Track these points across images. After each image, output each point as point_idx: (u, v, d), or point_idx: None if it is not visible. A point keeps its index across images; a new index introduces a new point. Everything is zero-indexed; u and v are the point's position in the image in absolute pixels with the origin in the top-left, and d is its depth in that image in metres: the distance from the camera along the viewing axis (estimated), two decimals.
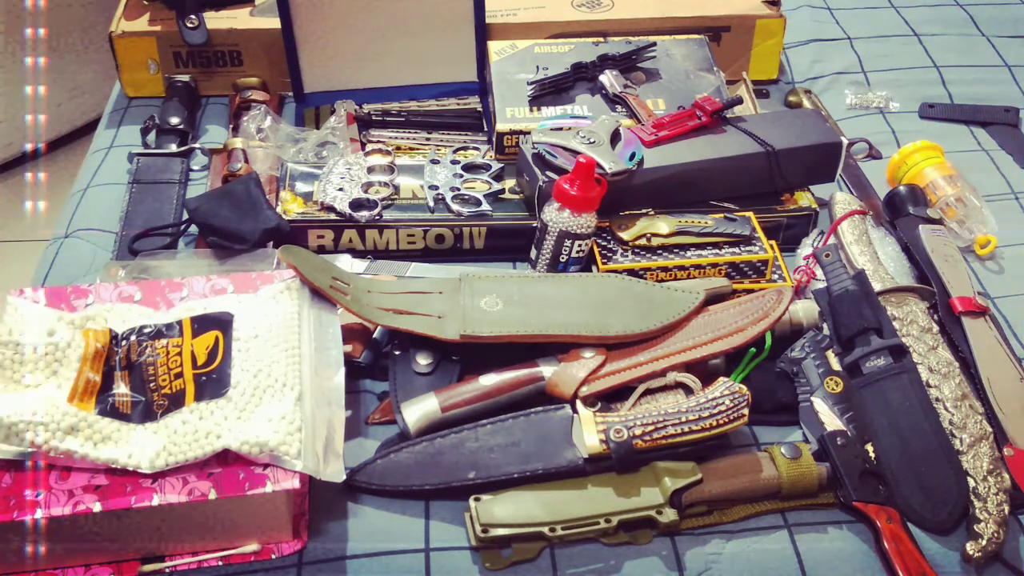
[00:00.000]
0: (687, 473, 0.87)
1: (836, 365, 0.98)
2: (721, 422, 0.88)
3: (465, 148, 1.24)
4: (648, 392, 0.93)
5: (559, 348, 0.95)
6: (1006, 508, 0.87)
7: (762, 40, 1.41)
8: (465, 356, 0.96)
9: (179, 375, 0.85)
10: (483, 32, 1.31)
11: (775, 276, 1.09)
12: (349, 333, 0.97)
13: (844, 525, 0.88)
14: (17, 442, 0.79)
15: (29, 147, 2.21)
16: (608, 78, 1.26)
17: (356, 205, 1.12)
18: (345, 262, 1.10)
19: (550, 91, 1.25)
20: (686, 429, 0.87)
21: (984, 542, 0.85)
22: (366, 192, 1.14)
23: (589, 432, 0.87)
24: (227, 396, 0.83)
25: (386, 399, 0.95)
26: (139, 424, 0.82)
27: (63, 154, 2.24)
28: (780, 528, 0.87)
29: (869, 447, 0.91)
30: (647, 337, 0.96)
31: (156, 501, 0.78)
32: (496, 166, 1.20)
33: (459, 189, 1.15)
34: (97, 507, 0.77)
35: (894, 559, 0.84)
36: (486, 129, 1.28)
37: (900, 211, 1.17)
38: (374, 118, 1.28)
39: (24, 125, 2.17)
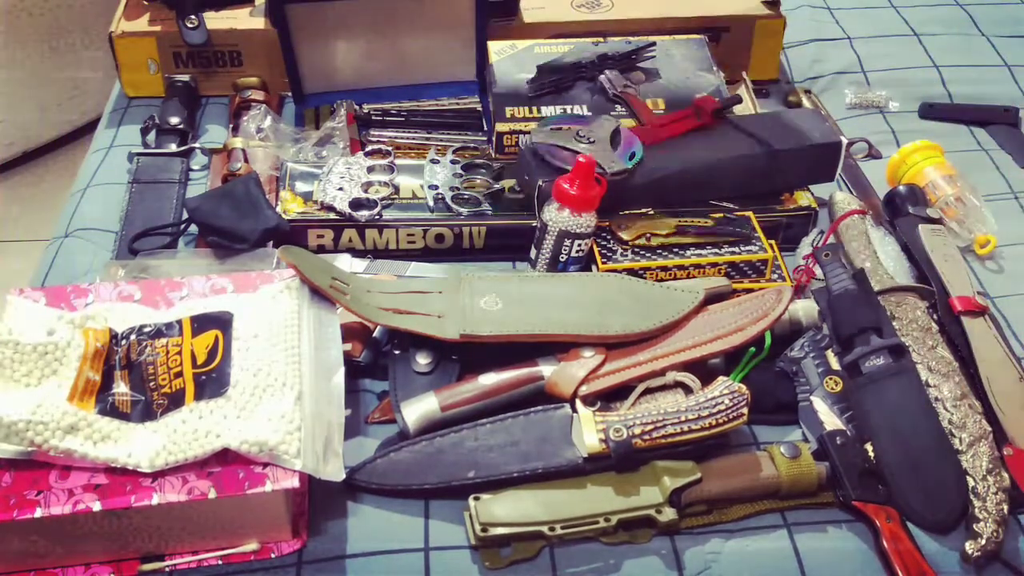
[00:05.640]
0: (686, 472, 0.87)
1: (835, 364, 0.98)
2: (720, 421, 0.88)
3: (465, 148, 1.24)
4: (647, 391, 0.93)
5: (559, 347, 0.95)
6: (1005, 507, 0.87)
7: (762, 40, 1.41)
8: (465, 355, 0.96)
9: (179, 374, 0.85)
10: (483, 32, 1.31)
11: (775, 276, 1.09)
12: (349, 332, 0.97)
13: (843, 524, 0.88)
14: (17, 441, 0.79)
15: (29, 147, 2.21)
16: (608, 78, 1.26)
17: (356, 205, 1.12)
18: (345, 261, 1.10)
19: (550, 91, 1.25)
20: (685, 428, 0.87)
21: (983, 541, 0.85)
22: (366, 192, 1.14)
23: (588, 431, 0.87)
24: (227, 395, 0.83)
25: (386, 398, 0.95)
26: (139, 423, 0.82)
27: (63, 154, 2.24)
28: (779, 527, 0.87)
29: (868, 446, 0.91)
30: (647, 336, 0.96)
31: (156, 500, 0.78)
32: (496, 166, 1.20)
33: (459, 189, 1.15)
34: (97, 506, 0.77)
35: (893, 558, 0.84)
36: (486, 129, 1.28)
37: (900, 211, 1.17)
38: (374, 118, 1.28)
39: (24, 125, 2.17)
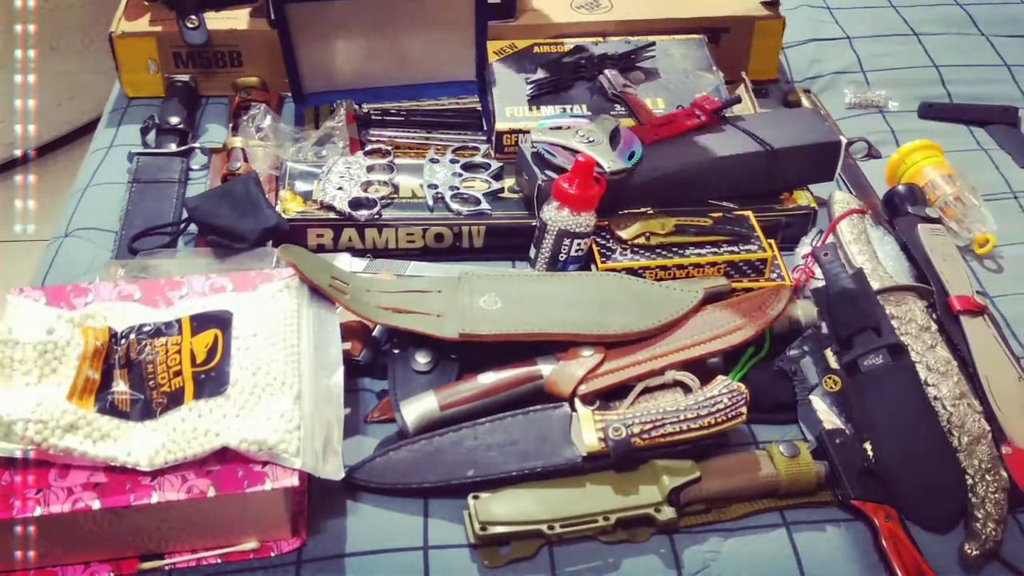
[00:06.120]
0: (685, 471, 0.87)
1: (834, 364, 0.98)
2: (719, 420, 0.88)
3: (464, 147, 1.24)
4: (647, 390, 0.93)
5: (558, 347, 0.95)
6: (1004, 507, 0.87)
7: (761, 41, 1.41)
8: (464, 355, 0.96)
9: (178, 373, 0.85)
10: (483, 32, 1.31)
11: (774, 275, 1.09)
12: (348, 331, 0.97)
13: (842, 523, 0.88)
14: (16, 440, 0.79)
15: (29, 147, 2.21)
16: (607, 77, 1.26)
17: (355, 204, 1.12)
18: (344, 261, 1.10)
19: (549, 90, 1.25)
20: (684, 427, 0.87)
21: (982, 540, 0.85)
22: (365, 191, 1.14)
23: (588, 430, 0.87)
24: (226, 394, 0.83)
25: (385, 397, 0.96)
26: (138, 422, 0.82)
27: (63, 154, 2.24)
28: (778, 526, 0.88)
29: (867, 445, 0.91)
30: (646, 336, 0.96)
31: (155, 499, 0.78)
32: (495, 165, 1.20)
33: (458, 188, 1.15)
34: (96, 505, 0.77)
35: (892, 557, 0.84)
36: (485, 128, 1.28)
37: (899, 210, 1.17)
38: (373, 117, 1.28)
39: (24, 125, 2.17)
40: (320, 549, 0.84)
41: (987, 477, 0.88)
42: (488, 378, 0.93)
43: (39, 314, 0.89)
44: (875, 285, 1.03)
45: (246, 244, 1.07)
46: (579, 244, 1.05)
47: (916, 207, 1.16)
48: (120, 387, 0.85)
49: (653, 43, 1.32)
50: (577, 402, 0.91)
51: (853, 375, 0.96)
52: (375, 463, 0.88)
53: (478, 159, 1.21)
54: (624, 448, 0.86)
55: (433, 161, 1.20)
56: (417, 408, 0.91)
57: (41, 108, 2.16)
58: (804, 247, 1.13)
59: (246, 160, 1.19)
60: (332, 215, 1.12)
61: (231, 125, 1.29)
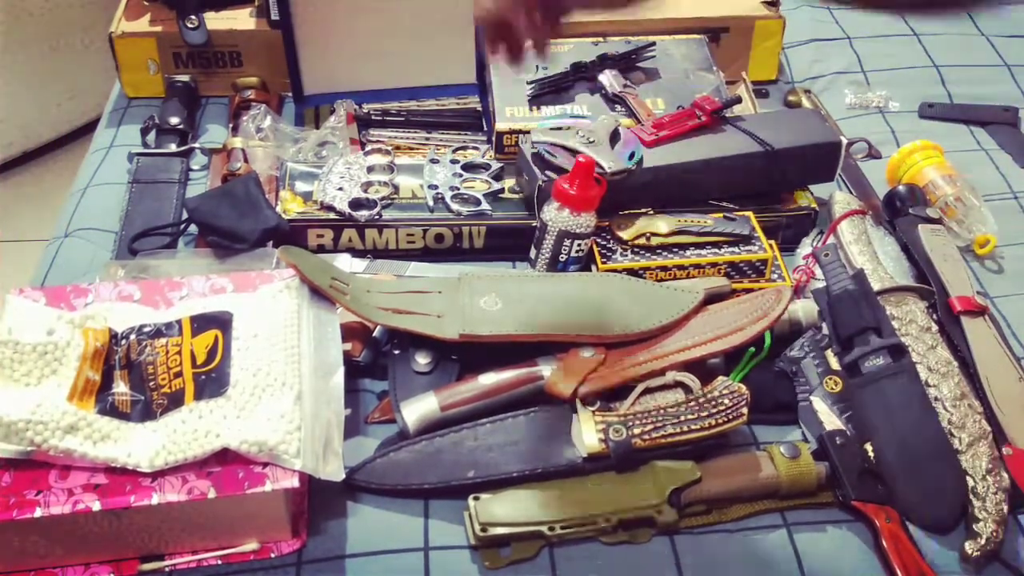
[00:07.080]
0: (686, 472, 0.87)
1: (835, 364, 0.98)
2: (720, 421, 0.88)
3: (464, 147, 1.24)
4: (647, 391, 0.93)
5: (558, 347, 0.95)
6: (1005, 507, 0.87)
7: (761, 41, 1.41)
8: (464, 355, 0.96)
9: (178, 374, 0.85)
10: (483, 33, 1.31)
11: (774, 276, 1.09)
12: (348, 332, 0.97)
13: (843, 524, 0.88)
14: (16, 441, 0.79)
15: (29, 147, 2.21)
16: (607, 78, 1.26)
17: (356, 204, 1.12)
18: (344, 261, 1.10)
19: (550, 91, 1.25)
20: (685, 428, 0.87)
21: (983, 541, 0.85)
22: (366, 191, 1.14)
23: (588, 431, 0.87)
24: (226, 395, 0.83)
25: (385, 398, 0.95)
26: (138, 423, 0.82)
27: (63, 154, 2.24)
28: (779, 527, 0.87)
29: (868, 446, 0.91)
30: (646, 336, 0.96)
31: (155, 500, 0.78)
32: (495, 165, 1.20)
33: (458, 188, 1.15)
34: (96, 506, 0.77)
35: (893, 558, 0.84)
36: (485, 128, 1.28)
37: (899, 211, 1.17)
38: (374, 117, 1.28)
39: (24, 125, 2.17)
40: (320, 550, 0.84)
41: (988, 478, 0.88)
42: (489, 379, 0.93)
43: (39, 315, 0.89)
44: (876, 286, 1.03)
45: (246, 245, 1.06)
46: (579, 245, 1.05)
47: (917, 207, 1.16)
48: (120, 388, 0.85)
49: (653, 43, 1.32)
50: (578, 403, 0.91)
51: (854, 376, 0.96)
52: (375, 464, 0.88)
53: (478, 159, 1.21)
54: (625, 449, 0.86)
55: (433, 161, 1.19)
56: (418, 409, 0.91)
57: (41, 108, 2.17)
58: (805, 248, 1.13)
59: (246, 160, 1.19)
60: (332, 215, 1.11)
61: (231, 125, 1.29)
